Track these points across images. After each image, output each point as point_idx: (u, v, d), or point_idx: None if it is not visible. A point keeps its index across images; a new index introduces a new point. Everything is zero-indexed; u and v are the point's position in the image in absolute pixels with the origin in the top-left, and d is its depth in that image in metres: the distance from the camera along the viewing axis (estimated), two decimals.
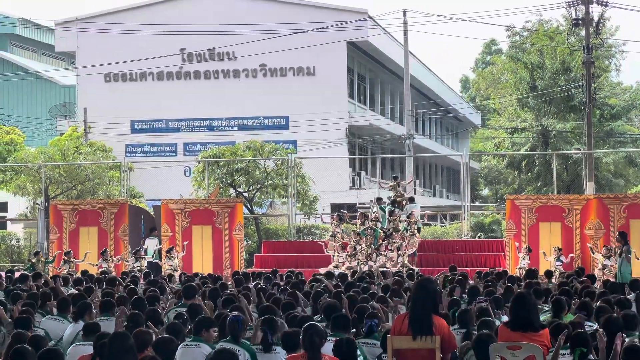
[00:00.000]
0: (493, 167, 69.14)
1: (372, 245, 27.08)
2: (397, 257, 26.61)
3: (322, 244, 28.54)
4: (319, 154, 42.75)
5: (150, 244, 29.27)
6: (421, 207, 32.56)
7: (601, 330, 9.54)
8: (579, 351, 9.02)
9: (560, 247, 25.82)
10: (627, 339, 9.71)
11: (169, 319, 12.74)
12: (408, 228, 27.47)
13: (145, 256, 27.48)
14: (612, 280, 20.79)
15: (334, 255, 27.41)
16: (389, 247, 26.92)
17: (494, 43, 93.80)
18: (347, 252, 27.26)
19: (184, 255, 27.55)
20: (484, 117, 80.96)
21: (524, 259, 25.78)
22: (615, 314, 10.53)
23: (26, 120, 55.17)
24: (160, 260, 27.99)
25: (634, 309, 12.74)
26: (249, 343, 10.07)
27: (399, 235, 27.13)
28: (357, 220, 28.58)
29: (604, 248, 25.27)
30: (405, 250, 26.87)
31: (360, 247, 27.01)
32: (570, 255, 25.87)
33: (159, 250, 28.76)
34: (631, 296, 14.56)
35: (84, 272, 22.60)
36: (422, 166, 68.15)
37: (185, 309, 12.60)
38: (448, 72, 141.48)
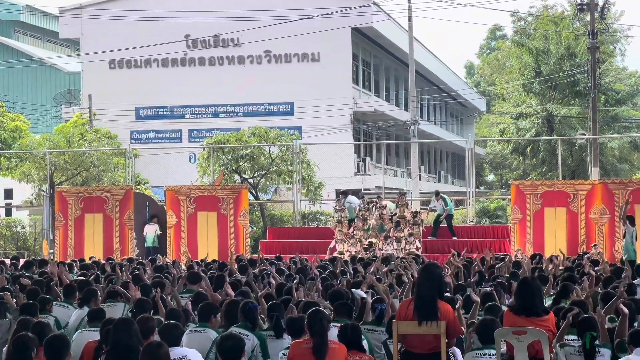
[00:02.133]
0: (498, 153, 69.07)
1: (379, 233, 27.22)
2: (405, 244, 26.70)
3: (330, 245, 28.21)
4: (323, 140, 42.66)
5: (150, 230, 29.38)
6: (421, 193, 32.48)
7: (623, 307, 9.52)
8: (589, 335, 9.01)
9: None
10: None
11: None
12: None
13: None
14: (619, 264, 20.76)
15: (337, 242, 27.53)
16: (395, 235, 27.00)
17: (499, 28, 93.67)
18: (347, 236, 27.48)
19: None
20: (488, 102, 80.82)
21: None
22: (624, 299, 10.48)
23: (31, 107, 55.17)
24: (159, 246, 28.30)
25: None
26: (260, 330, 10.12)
27: (405, 222, 27.23)
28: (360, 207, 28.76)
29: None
30: (415, 238, 26.98)
31: (360, 234, 27.21)
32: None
33: (159, 237, 28.96)
34: (637, 281, 14.54)
35: (82, 260, 22.69)
36: (427, 152, 68.11)
37: (190, 295, 12.62)
38: (453, 58, 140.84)
